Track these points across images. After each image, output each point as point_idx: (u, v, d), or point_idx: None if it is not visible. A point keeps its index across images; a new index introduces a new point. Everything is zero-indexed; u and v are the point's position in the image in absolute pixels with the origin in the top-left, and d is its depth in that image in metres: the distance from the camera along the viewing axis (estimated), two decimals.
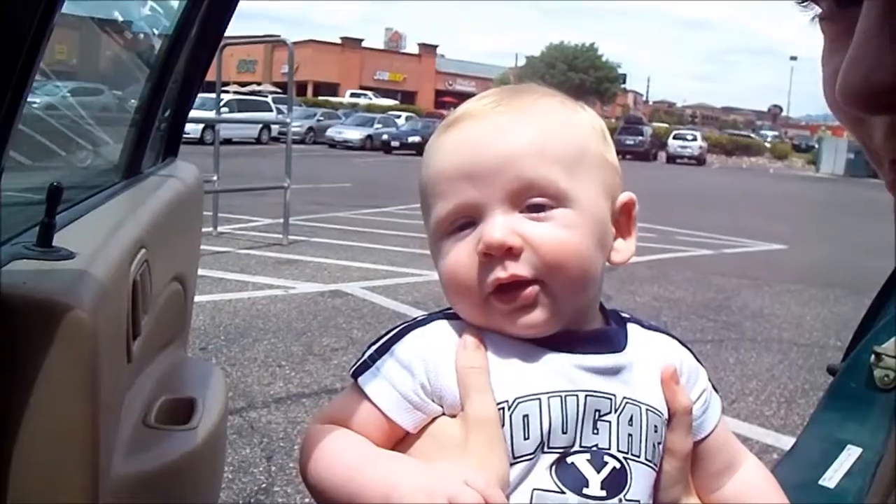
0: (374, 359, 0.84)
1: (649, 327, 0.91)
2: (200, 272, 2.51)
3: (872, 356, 1.48)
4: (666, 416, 0.84)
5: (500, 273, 0.79)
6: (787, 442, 4.29)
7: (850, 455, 1.33)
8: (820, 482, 1.31)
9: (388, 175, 22.44)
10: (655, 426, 0.83)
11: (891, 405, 1.38)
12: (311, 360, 5.51)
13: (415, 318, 0.87)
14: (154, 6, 2.35)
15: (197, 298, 2.37)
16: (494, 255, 0.79)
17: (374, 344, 0.86)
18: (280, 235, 9.95)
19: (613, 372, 0.82)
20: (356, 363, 0.86)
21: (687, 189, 25.04)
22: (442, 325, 0.85)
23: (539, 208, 0.81)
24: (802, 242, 13.68)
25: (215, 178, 9.69)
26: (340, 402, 0.86)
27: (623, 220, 0.88)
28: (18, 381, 0.98)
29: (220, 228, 10.00)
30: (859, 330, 1.69)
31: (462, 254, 0.82)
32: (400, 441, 0.83)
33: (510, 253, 0.79)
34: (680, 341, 0.92)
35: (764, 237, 13.69)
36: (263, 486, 3.71)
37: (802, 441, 1.56)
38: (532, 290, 0.80)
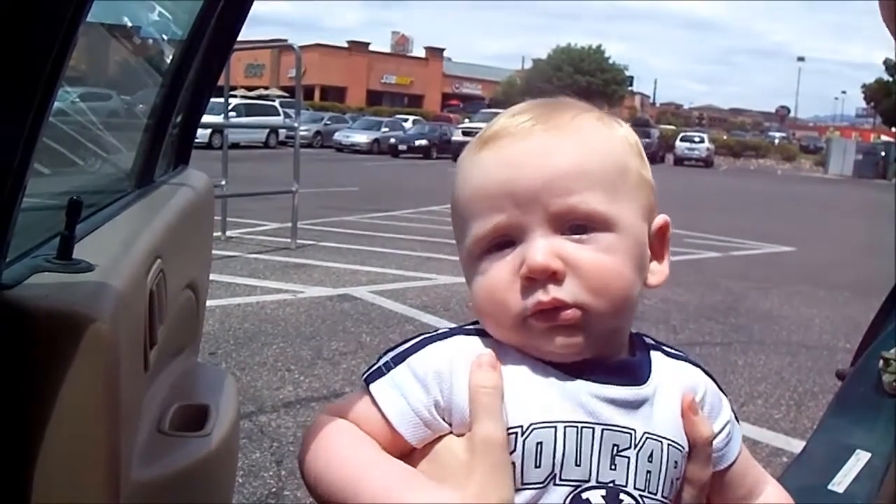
0: (388, 367, 0.82)
1: (673, 356, 0.90)
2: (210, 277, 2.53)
3: (881, 361, 1.50)
4: (687, 448, 0.83)
5: (542, 296, 0.78)
6: (796, 445, 4.29)
7: (858, 460, 1.34)
8: (829, 487, 1.32)
9: (396, 178, 22.47)
10: (676, 462, 0.82)
11: None
12: (319, 364, 5.53)
13: (436, 331, 0.86)
14: (163, 12, 2.37)
15: (206, 303, 2.39)
16: (537, 278, 0.78)
17: (390, 350, 0.84)
18: (288, 239, 9.99)
19: (635, 405, 0.81)
20: (370, 368, 0.84)
21: (694, 191, 24.98)
22: (462, 341, 0.83)
23: (581, 229, 0.80)
24: (811, 244, 13.65)
25: (224, 182, 9.73)
26: (350, 404, 0.84)
27: (657, 242, 0.87)
28: (41, 393, 1.00)
29: (228, 233, 10.04)
30: (867, 335, 1.71)
31: (501, 274, 0.80)
32: (403, 456, 0.81)
33: (553, 277, 0.78)
34: (704, 370, 0.91)
35: (772, 239, 13.67)
36: (273, 490, 3.73)
37: (811, 446, 1.57)
38: (573, 312, 0.78)
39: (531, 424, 0.77)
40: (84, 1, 0.92)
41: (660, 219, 0.87)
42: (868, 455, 1.35)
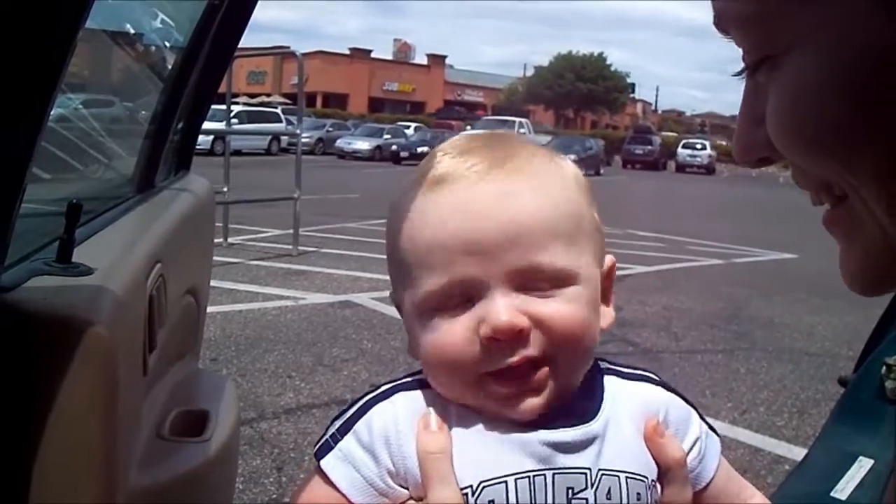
0: (336, 438, 0.78)
1: (629, 377, 0.85)
2: (211, 283, 2.53)
3: (883, 368, 1.49)
4: (652, 477, 0.79)
5: (510, 357, 0.73)
6: (798, 453, 4.27)
7: (861, 467, 1.33)
8: (832, 494, 1.31)
9: (398, 185, 22.46)
10: (639, 493, 0.77)
11: None
12: (320, 370, 5.53)
13: (378, 389, 0.81)
14: (165, 19, 2.37)
15: (208, 309, 2.39)
16: (502, 339, 0.73)
17: (337, 419, 0.80)
18: (290, 246, 9.99)
19: (585, 445, 0.76)
20: (319, 442, 0.80)
21: (696, 198, 24.98)
22: (406, 399, 0.79)
23: (544, 286, 0.75)
24: (812, 251, 13.60)
25: (225, 189, 9.74)
26: (306, 490, 0.80)
27: (606, 285, 0.83)
28: (39, 395, 1.00)
29: (230, 239, 10.04)
30: (870, 341, 1.70)
31: (457, 332, 0.75)
32: None
33: (519, 335, 0.73)
34: (666, 386, 0.86)
35: (774, 246, 13.66)
36: (274, 496, 3.72)
37: (814, 453, 1.56)
38: (542, 373, 0.75)
39: (481, 483, 0.74)
40: (83, 6, 0.92)
41: (608, 260, 0.83)
42: (871, 462, 1.34)
